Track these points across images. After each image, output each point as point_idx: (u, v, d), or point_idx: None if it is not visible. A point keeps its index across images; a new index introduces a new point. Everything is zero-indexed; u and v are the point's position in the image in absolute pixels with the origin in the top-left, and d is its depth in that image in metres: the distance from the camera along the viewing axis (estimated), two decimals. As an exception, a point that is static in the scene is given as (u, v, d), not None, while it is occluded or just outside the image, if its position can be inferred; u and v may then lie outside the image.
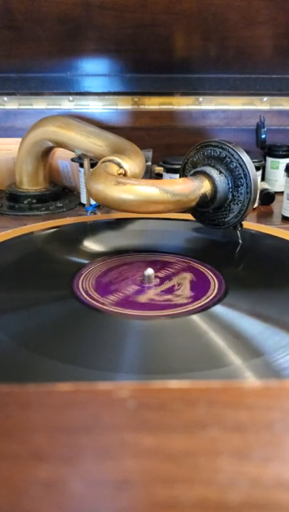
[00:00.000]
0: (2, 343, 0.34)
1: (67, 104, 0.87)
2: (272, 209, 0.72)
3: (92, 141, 0.63)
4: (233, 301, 0.39)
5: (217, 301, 0.39)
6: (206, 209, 0.51)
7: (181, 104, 0.88)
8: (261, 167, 0.74)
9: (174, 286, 0.42)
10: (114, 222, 0.60)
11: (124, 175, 0.52)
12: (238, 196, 0.50)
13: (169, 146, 0.87)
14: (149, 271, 0.42)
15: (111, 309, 0.38)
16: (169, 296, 0.40)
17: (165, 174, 0.73)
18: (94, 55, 0.80)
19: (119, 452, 0.16)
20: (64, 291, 0.41)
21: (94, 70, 0.84)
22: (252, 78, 0.86)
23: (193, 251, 0.51)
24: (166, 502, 0.14)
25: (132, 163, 0.54)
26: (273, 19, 0.70)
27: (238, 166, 0.49)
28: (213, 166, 0.50)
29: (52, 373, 0.30)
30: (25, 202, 0.70)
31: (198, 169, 0.50)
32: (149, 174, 0.78)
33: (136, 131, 0.86)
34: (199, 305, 0.38)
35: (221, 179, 0.49)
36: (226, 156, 0.50)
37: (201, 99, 0.88)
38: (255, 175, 0.49)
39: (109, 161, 0.52)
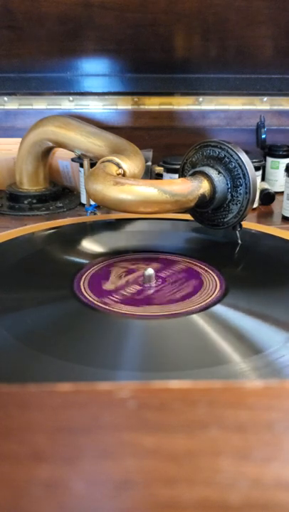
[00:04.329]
0: (3, 342, 0.34)
1: (67, 104, 0.87)
2: (272, 209, 0.72)
3: (92, 141, 0.63)
4: (233, 301, 0.39)
5: (217, 300, 0.39)
6: (205, 209, 0.51)
7: (181, 104, 0.88)
8: (261, 167, 0.74)
9: (174, 285, 0.42)
10: (114, 223, 0.60)
11: (123, 175, 0.52)
12: (237, 196, 0.50)
13: (169, 146, 0.87)
14: (150, 271, 0.42)
15: (111, 309, 0.38)
16: (169, 296, 0.40)
17: (165, 174, 0.73)
18: (94, 55, 0.80)
19: (119, 452, 0.16)
20: (64, 291, 0.41)
21: (94, 70, 0.84)
22: (252, 78, 0.86)
23: (193, 251, 0.51)
24: (167, 502, 0.14)
25: (131, 163, 0.54)
26: (273, 19, 0.70)
27: (237, 166, 0.49)
28: (212, 166, 0.50)
29: (53, 371, 0.30)
30: (26, 202, 0.70)
31: (197, 169, 0.50)
32: (149, 174, 0.78)
33: (136, 131, 0.86)
34: (199, 305, 0.38)
35: (219, 179, 0.49)
36: (225, 156, 0.49)
37: (201, 99, 0.88)
38: (254, 175, 0.49)
39: (108, 161, 0.52)
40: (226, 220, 0.52)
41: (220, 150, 0.50)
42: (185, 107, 0.88)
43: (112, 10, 0.67)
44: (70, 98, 0.87)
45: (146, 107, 0.88)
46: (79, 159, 0.68)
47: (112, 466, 0.15)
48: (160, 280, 0.43)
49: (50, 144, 0.68)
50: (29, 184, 0.72)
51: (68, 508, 0.14)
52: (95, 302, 0.39)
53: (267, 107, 0.89)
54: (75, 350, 0.33)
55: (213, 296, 0.40)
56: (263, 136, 0.84)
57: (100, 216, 0.63)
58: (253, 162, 0.50)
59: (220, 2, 0.66)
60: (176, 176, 0.60)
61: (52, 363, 0.31)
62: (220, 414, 0.17)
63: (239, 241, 0.53)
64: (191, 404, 0.18)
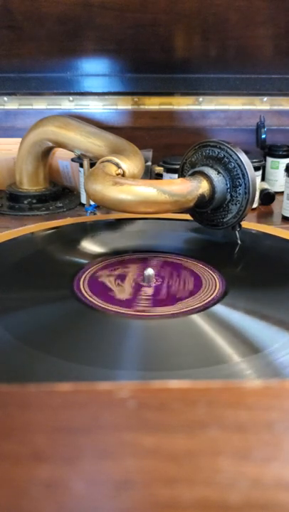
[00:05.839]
0: (3, 342, 0.34)
1: (67, 104, 0.87)
2: (272, 209, 0.72)
3: (92, 142, 0.63)
4: (233, 300, 0.39)
5: (217, 300, 0.39)
6: (204, 209, 0.51)
7: (181, 104, 0.88)
8: (261, 167, 0.74)
9: (174, 285, 0.42)
10: (114, 223, 0.60)
11: (123, 175, 0.52)
12: (236, 197, 0.50)
13: (169, 146, 0.87)
14: (149, 271, 0.42)
15: (111, 309, 0.38)
16: (168, 296, 0.40)
17: (165, 174, 0.73)
18: (94, 55, 0.80)
19: (119, 452, 0.16)
20: (64, 291, 0.41)
21: (94, 70, 0.84)
22: (252, 78, 0.86)
23: (193, 251, 0.51)
24: (167, 502, 0.14)
25: (131, 163, 0.54)
26: (273, 19, 0.70)
27: (237, 166, 0.49)
28: (212, 166, 0.50)
29: (53, 371, 0.30)
30: (26, 202, 0.70)
31: (197, 169, 0.50)
32: (149, 174, 0.78)
33: (136, 131, 0.86)
34: (199, 305, 0.38)
35: (219, 179, 0.49)
36: (224, 156, 0.49)
37: (201, 99, 0.88)
38: (254, 175, 0.49)
39: (108, 161, 0.52)
40: (225, 220, 0.52)
41: (219, 150, 0.50)
42: (185, 107, 0.88)
43: (112, 10, 0.67)
44: (70, 98, 0.87)
45: (146, 107, 0.88)
46: (79, 159, 0.68)
47: (112, 466, 0.15)
48: (160, 280, 0.43)
49: (50, 144, 0.68)
50: (29, 184, 0.72)
51: (68, 508, 0.14)
52: (95, 302, 0.39)
53: (267, 107, 0.89)
54: (75, 350, 0.33)
55: (213, 296, 0.40)
56: (263, 136, 0.84)
57: (99, 216, 0.63)
58: (253, 162, 0.50)
59: (220, 2, 0.66)
60: (176, 176, 0.60)
61: (52, 362, 0.31)
62: (220, 414, 0.17)
63: (239, 241, 0.53)
64: (191, 404, 0.18)
